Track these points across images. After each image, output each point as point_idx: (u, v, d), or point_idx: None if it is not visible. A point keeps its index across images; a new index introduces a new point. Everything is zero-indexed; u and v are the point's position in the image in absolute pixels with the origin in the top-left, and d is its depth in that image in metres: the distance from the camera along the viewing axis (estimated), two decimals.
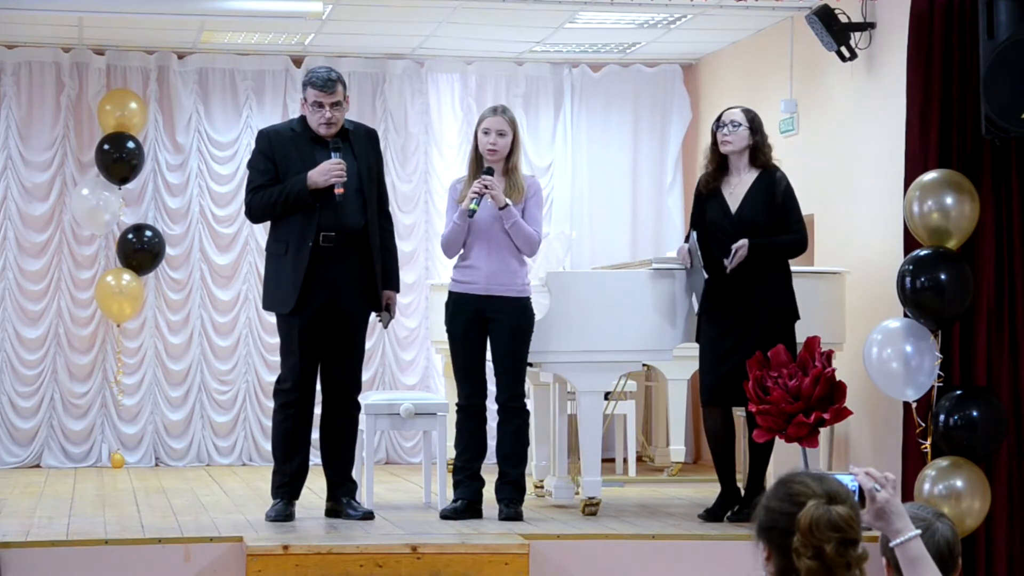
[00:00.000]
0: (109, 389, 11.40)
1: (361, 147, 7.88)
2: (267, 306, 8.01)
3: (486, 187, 7.80)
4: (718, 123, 8.07)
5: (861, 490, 3.31)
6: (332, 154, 7.73)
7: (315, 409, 7.96)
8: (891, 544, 3.38)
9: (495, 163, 7.93)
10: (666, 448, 10.75)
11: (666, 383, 10.43)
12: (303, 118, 7.86)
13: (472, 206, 7.80)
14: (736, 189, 8.05)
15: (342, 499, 7.92)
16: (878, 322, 8.03)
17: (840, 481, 3.17)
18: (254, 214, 7.95)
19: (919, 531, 3.38)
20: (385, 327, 8.18)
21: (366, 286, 7.84)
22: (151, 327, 11.50)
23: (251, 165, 7.99)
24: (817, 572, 3.04)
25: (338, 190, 7.66)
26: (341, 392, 7.91)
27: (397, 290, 8.06)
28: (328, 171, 7.67)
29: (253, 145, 8.07)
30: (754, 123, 8.04)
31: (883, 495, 3.32)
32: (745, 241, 7.84)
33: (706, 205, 8.10)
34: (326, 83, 7.73)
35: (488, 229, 7.90)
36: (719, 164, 8.09)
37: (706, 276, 7.92)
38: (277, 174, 7.79)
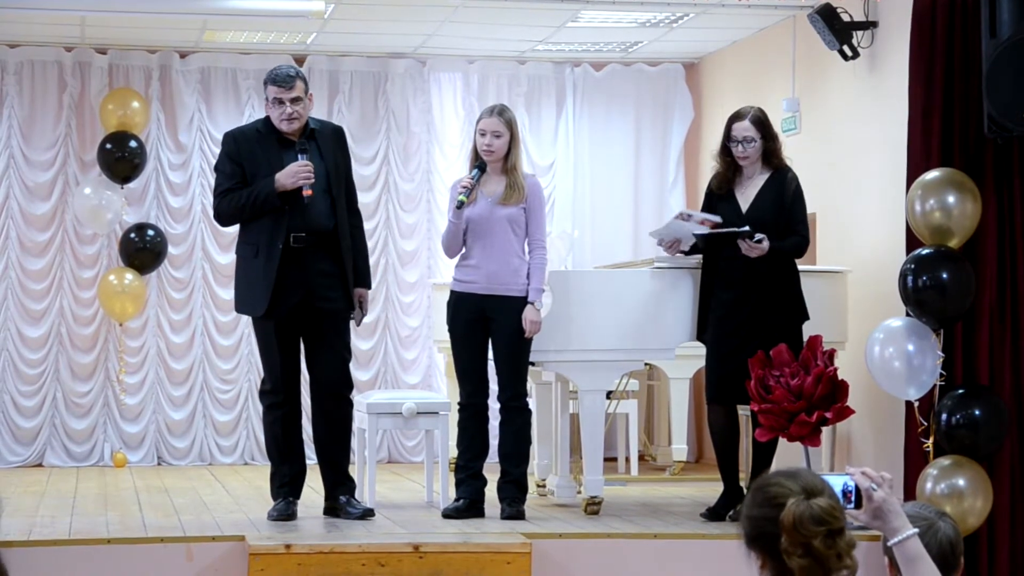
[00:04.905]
0: (111, 388, 11.41)
1: (328, 146, 7.86)
2: (239, 309, 8.01)
3: (465, 187, 7.86)
4: (729, 137, 8.03)
5: (858, 490, 3.32)
6: (299, 156, 7.72)
7: (302, 408, 7.97)
8: (889, 543, 3.38)
9: (493, 163, 7.95)
10: (668, 447, 10.74)
11: (668, 382, 10.42)
12: (268, 118, 7.86)
13: (461, 198, 7.83)
14: (748, 190, 8.05)
15: (340, 498, 7.89)
16: (880, 321, 8.02)
17: (813, 473, 3.18)
18: (223, 218, 7.95)
19: (917, 530, 3.38)
20: (358, 324, 8.15)
21: (340, 284, 7.81)
22: (153, 326, 11.51)
23: (218, 168, 7.99)
24: (810, 569, 3.05)
25: (306, 192, 7.65)
26: (328, 391, 7.87)
27: (368, 287, 8.04)
28: (295, 173, 7.66)
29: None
30: (764, 129, 8.01)
31: (880, 494, 3.32)
32: (767, 244, 7.82)
33: (717, 205, 8.09)
34: (285, 79, 7.73)
35: (488, 228, 7.91)
36: (732, 166, 8.07)
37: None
38: (244, 176, 7.77)
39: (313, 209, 7.70)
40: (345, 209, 7.84)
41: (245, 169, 7.77)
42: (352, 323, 7.95)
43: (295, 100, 7.73)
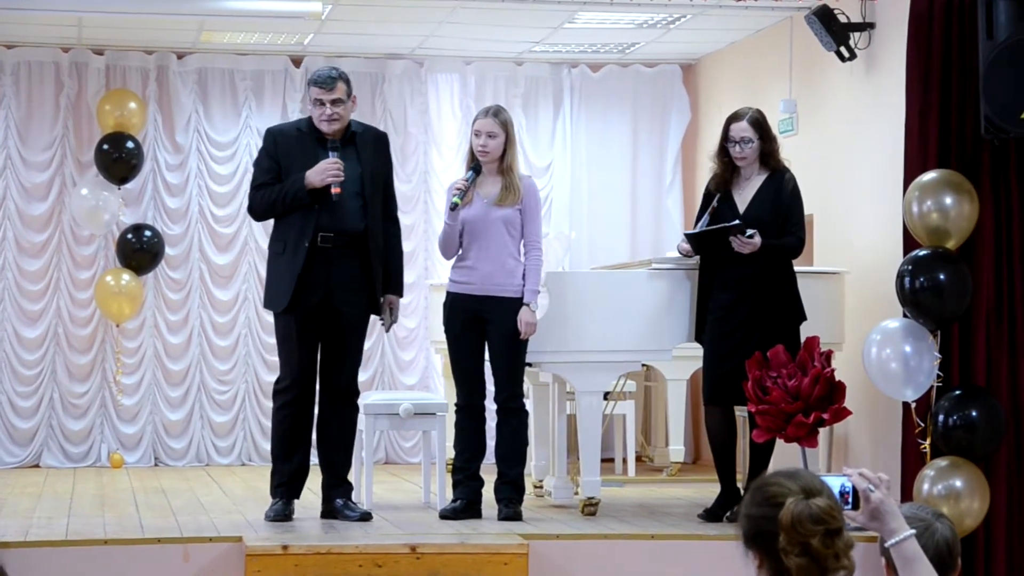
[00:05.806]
0: (108, 389, 11.40)
1: (367, 150, 7.89)
2: (266, 304, 8.04)
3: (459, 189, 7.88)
4: (727, 138, 8.04)
5: (855, 491, 3.32)
6: (330, 154, 7.75)
7: (315, 408, 7.96)
8: (886, 544, 3.38)
9: (488, 164, 7.96)
10: (665, 448, 10.75)
11: (665, 383, 10.43)
12: (310, 119, 7.90)
13: (455, 200, 7.84)
14: (745, 191, 8.06)
15: (337, 501, 7.88)
16: (877, 322, 8.03)
17: (812, 473, 3.19)
18: (256, 211, 8.00)
19: (914, 531, 3.38)
20: (387, 330, 8.20)
21: (364, 289, 7.83)
22: (150, 327, 11.50)
23: (256, 163, 8.07)
24: (807, 568, 3.06)
25: (335, 190, 7.67)
26: (337, 394, 7.89)
27: (400, 295, 8.05)
28: (324, 170, 7.69)
29: (253, 145, 8.12)
30: (762, 130, 8.02)
31: (877, 495, 3.32)
32: (759, 239, 7.83)
33: (716, 206, 8.09)
34: (327, 80, 7.78)
35: (484, 229, 7.91)
36: (730, 167, 8.08)
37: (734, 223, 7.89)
38: (280, 173, 7.82)
39: (343, 210, 7.72)
40: (380, 214, 7.86)
41: (281, 165, 7.82)
42: (382, 328, 7.99)
43: (336, 102, 7.76)
